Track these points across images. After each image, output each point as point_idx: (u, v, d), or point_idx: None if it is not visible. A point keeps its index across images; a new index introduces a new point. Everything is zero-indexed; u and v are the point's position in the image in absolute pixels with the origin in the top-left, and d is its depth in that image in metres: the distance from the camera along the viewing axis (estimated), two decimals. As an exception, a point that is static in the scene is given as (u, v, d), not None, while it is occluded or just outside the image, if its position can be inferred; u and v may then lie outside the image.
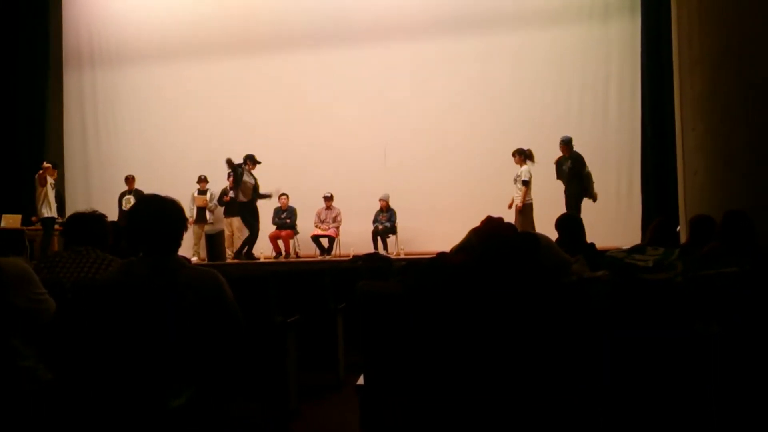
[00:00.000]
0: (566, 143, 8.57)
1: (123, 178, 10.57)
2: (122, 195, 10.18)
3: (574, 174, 8.50)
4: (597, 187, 8.65)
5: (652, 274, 1.86)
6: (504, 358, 1.85)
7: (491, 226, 1.99)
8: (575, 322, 1.85)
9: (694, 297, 1.81)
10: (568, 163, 8.53)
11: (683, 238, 6.03)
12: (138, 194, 9.80)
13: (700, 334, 1.79)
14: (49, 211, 8.92)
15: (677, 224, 6.75)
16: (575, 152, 8.60)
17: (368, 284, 1.99)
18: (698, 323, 1.78)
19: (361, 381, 2.01)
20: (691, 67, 6.34)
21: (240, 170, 9.42)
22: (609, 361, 1.79)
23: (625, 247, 5.43)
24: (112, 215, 3.46)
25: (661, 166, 9.06)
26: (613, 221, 9.37)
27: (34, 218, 9.25)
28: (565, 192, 8.58)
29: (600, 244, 7.36)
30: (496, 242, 1.92)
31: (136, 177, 10.34)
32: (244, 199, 9.46)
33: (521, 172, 8.60)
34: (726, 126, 5.91)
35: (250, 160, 9.53)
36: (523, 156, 8.66)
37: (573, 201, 8.48)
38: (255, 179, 9.60)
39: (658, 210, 8.76)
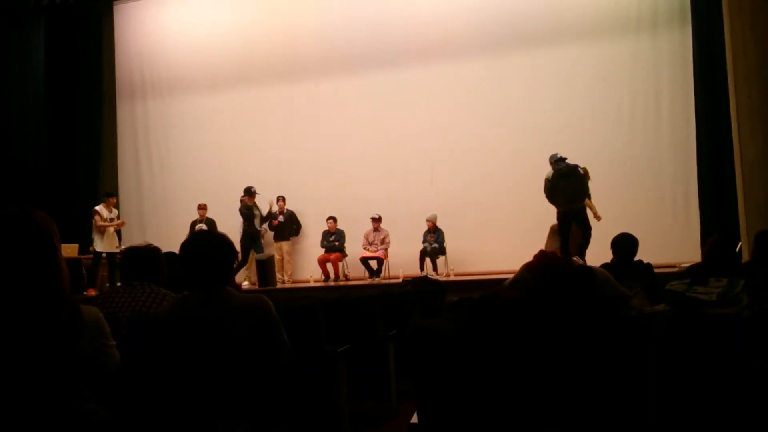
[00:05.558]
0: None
1: (175, 207, 10.80)
2: (194, 223, 10.22)
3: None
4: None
5: (716, 309, 1.77)
6: (561, 397, 1.79)
7: (544, 260, 1.94)
8: (635, 358, 1.78)
9: (762, 332, 1.71)
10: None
11: (746, 255, 5.80)
12: (210, 222, 10.14)
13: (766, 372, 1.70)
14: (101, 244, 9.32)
15: (738, 240, 6.51)
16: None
17: (419, 322, 1.96)
18: (765, 361, 1.69)
19: (414, 419, 1.97)
20: (747, 77, 6.16)
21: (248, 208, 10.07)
22: (671, 400, 1.71)
23: (684, 264, 5.20)
24: (166, 244, 3.54)
25: (718, 178, 8.74)
26: (670, 237, 9.08)
27: (91, 248, 9.54)
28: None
29: (657, 260, 7.18)
30: (550, 277, 1.87)
31: (189, 205, 10.57)
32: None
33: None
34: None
35: (247, 194, 10.15)
36: None
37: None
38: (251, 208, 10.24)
39: (717, 225, 8.45)
